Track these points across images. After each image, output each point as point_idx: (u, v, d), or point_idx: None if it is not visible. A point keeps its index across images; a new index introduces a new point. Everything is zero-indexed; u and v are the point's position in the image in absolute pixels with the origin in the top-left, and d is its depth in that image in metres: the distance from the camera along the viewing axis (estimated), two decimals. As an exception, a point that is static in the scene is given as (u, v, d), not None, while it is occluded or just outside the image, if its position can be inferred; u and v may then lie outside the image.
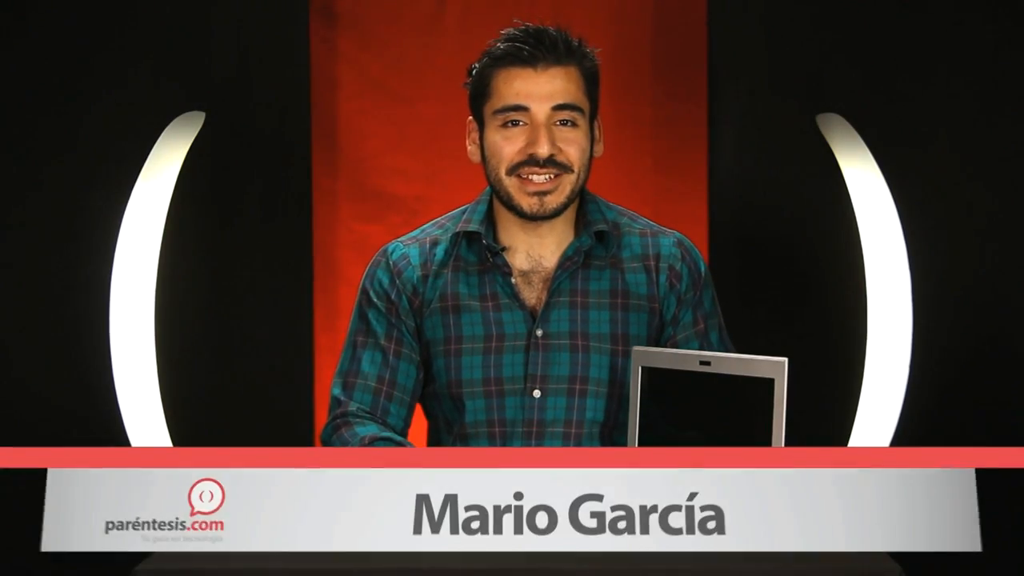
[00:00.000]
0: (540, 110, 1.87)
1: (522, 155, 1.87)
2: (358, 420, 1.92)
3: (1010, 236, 2.90)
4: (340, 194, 3.13)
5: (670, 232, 2.03)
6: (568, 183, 1.90)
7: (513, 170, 1.89)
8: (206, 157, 2.92)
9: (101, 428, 2.84)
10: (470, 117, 1.98)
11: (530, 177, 1.88)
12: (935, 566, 2.89)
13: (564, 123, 1.88)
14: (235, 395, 3.02)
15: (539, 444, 1.91)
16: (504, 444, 1.92)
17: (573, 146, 1.89)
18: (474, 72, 1.94)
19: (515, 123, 1.88)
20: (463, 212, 2.02)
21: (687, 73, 3.10)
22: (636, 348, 1.84)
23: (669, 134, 3.13)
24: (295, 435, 3.03)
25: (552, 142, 1.86)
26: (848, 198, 2.82)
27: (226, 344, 3.03)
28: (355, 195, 3.13)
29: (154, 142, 2.84)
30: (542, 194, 1.88)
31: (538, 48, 1.88)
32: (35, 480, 1.83)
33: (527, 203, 1.89)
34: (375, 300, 1.98)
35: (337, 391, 1.99)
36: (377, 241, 2.06)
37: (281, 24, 3.01)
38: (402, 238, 2.04)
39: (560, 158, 1.87)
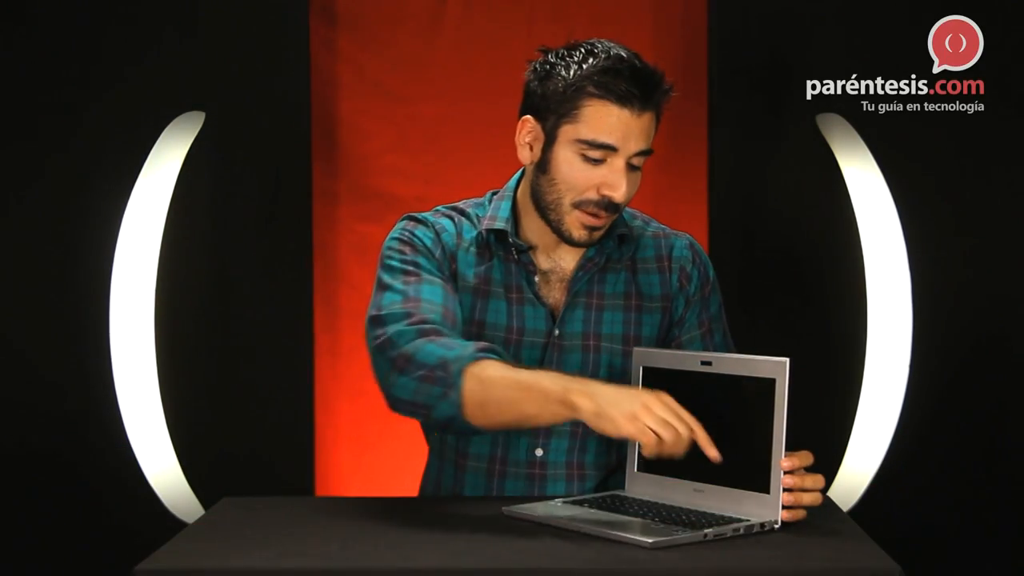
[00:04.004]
0: (625, 153, 1.80)
1: (595, 194, 1.83)
2: (450, 335, 1.75)
3: (1010, 236, 2.90)
4: (340, 194, 3.13)
5: (682, 234, 2.03)
6: (612, 219, 1.88)
7: (581, 204, 1.84)
8: (206, 157, 2.93)
9: (101, 428, 2.85)
10: (530, 118, 1.87)
11: (595, 213, 1.84)
12: (935, 566, 2.90)
13: (635, 167, 1.85)
14: (235, 394, 3.02)
15: (546, 442, 1.90)
16: (508, 438, 1.90)
17: (634, 189, 1.86)
18: (555, 81, 1.82)
19: (597, 159, 1.82)
20: (479, 205, 1.98)
21: (687, 73, 3.10)
22: (637, 348, 1.85)
23: (669, 134, 3.13)
24: (295, 434, 3.03)
25: (629, 189, 1.83)
26: (848, 198, 2.83)
27: (226, 344, 3.03)
28: (355, 195, 3.13)
29: (154, 142, 2.85)
30: (595, 229, 1.87)
31: (640, 89, 1.79)
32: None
33: (579, 234, 1.86)
34: (423, 250, 1.89)
35: (394, 309, 1.77)
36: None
37: (281, 24, 3.01)
38: (424, 213, 1.97)
39: (621, 201, 1.84)
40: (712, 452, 1.59)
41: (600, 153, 1.81)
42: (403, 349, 1.74)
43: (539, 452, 1.91)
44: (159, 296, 2.82)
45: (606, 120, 1.79)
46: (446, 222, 1.94)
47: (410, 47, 3.12)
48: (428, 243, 1.91)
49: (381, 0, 3.13)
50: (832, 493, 2.65)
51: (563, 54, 1.84)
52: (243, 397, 3.02)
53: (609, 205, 1.83)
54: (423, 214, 1.96)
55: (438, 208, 1.99)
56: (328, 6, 3.11)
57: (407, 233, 1.92)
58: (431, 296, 1.82)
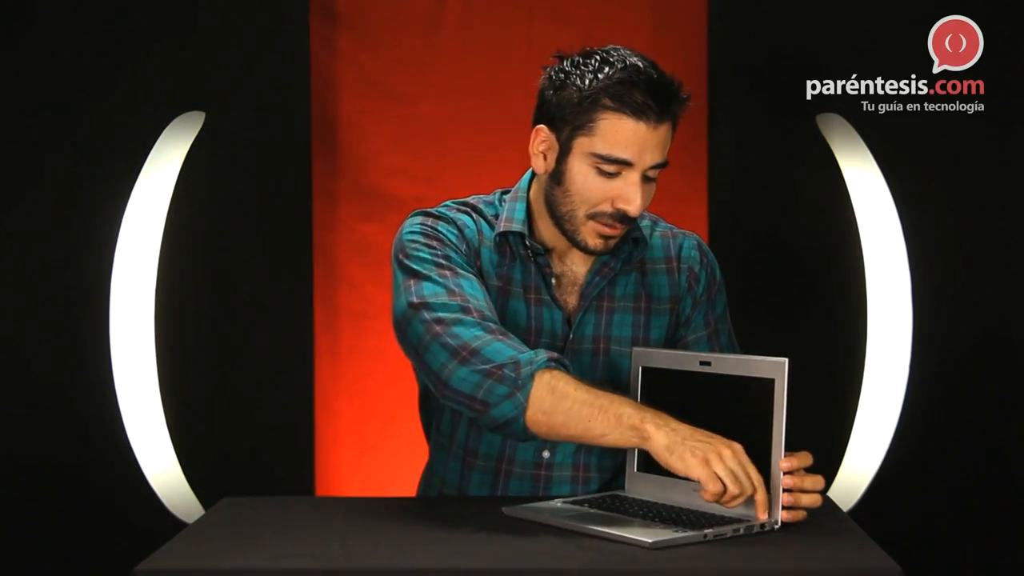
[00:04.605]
0: (641, 167, 1.78)
1: (610, 206, 1.81)
2: (509, 333, 1.75)
3: (1010, 236, 2.90)
4: (340, 194, 3.13)
5: (690, 234, 2.02)
6: (627, 229, 1.87)
7: (596, 216, 1.83)
8: (206, 157, 2.93)
9: (101, 428, 2.85)
10: (544, 128, 1.84)
11: (610, 224, 1.82)
12: (935, 566, 2.90)
13: (650, 179, 1.82)
14: (235, 395, 3.02)
15: (553, 444, 1.90)
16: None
17: (648, 200, 1.83)
18: (570, 92, 1.79)
19: (612, 173, 1.80)
20: (496, 204, 1.95)
21: (687, 73, 3.09)
22: (636, 348, 1.84)
23: (669, 134, 3.13)
24: (295, 434, 3.03)
25: (644, 201, 1.81)
26: (848, 198, 2.83)
27: (226, 344, 3.03)
28: (355, 195, 3.13)
29: (154, 142, 2.85)
30: (610, 238, 1.85)
31: (655, 102, 1.75)
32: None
33: (593, 243, 1.85)
34: (450, 244, 1.85)
35: (442, 299, 1.75)
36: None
37: (281, 24, 3.01)
38: (437, 208, 1.94)
39: (635, 215, 1.82)
40: (763, 515, 1.59)
41: (615, 167, 1.78)
42: (466, 340, 1.72)
43: (546, 454, 1.91)
44: (159, 296, 2.82)
45: (622, 134, 1.76)
46: (466, 218, 1.91)
47: (410, 47, 3.12)
48: (453, 239, 1.87)
49: (381, 0, 3.13)
50: (832, 493, 2.65)
51: (578, 62, 1.80)
52: (243, 397, 3.02)
53: (624, 218, 1.81)
54: (437, 209, 1.92)
55: (448, 203, 1.95)
56: (328, 6, 3.11)
57: (429, 228, 1.87)
58: (473, 291, 1.78)
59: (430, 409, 2.01)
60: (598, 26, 3.08)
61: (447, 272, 1.80)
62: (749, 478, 1.58)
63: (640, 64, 1.77)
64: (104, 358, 2.79)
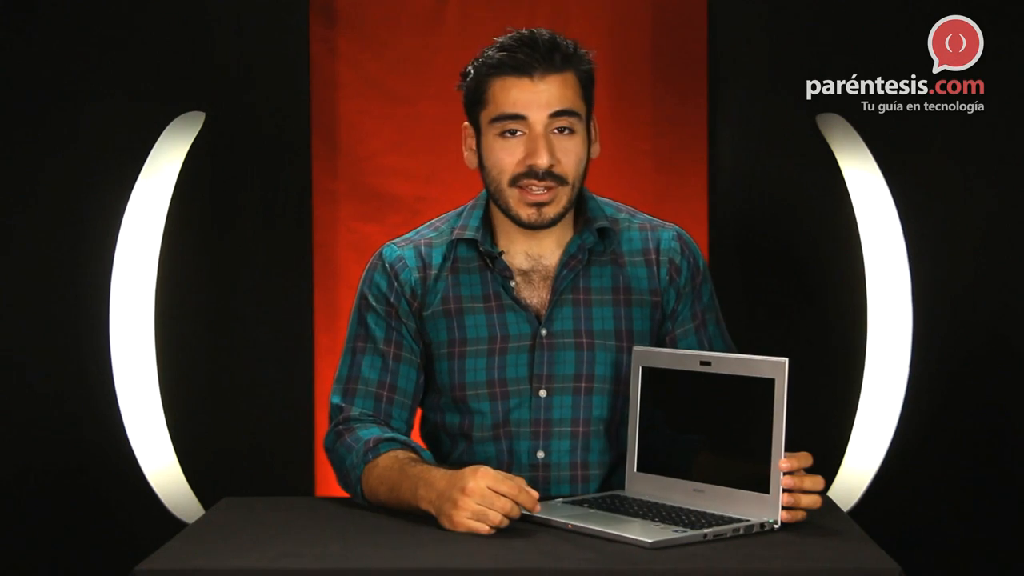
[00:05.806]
0: (538, 119, 1.84)
1: (522, 166, 1.86)
2: (360, 424, 1.91)
3: (1010, 236, 2.90)
4: (340, 194, 3.13)
5: (669, 225, 2.02)
6: (564, 194, 1.88)
7: (514, 181, 1.87)
8: (206, 157, 2.93)
9: (101, 428, 2.85)
10: (466, 123, 1.95)
11: (530, 188, 1.87)
12: (935, 566, 2.90)
13: (562, 130, 1.87)
14: (235, 395, 3.02)
15: (546, 444, 1.91)
16: (511, 445, 1.91)
17: (570, 156, 1.87)
18: (469, 78, 1.91)
19: (513, 132, 1.86)
20: (459, 216, 2.01)
21: (687, 73, 3.10)
22: (636, 348, 1.85)
23: (669, 134, 3.13)
24: (295, 434, 3.03)
25: (551, 152, 1.85)
26: (848, 198, 2.83)
27: (226, 344, 3.03)
28: (355, 195, 3.13)
29: (154, 142, 2.85)
30: (540, 205, 1.87)
31: (534, 56, 1.85)
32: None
33: (526, 214, 1.88)
34: (373, 304, 1.96)
35: (337, 399, 1.96)
36: (377, 241, 2.04)
37: (281, 24, 3.01)
38: (396, 240, 2.02)
39: (557, 170, 1.86)
40: (535, 508, 1.65)
41: (513, 124, 1.87)
42: (327, 450, 1.93)
43: (541, 455, 1.91)
44: (159, 296, 2.82)
45: (508, 93, 1.86)
46: (410, 255, 1.98)
47: (410, 47, 3.12)
48: (383, 288, 1.96)
49: (381, 0, 3.13)
50: (832, 493, 2.65)
51: (478, 53, 1.92)
52: (243, 397, 3.02)
53: (544, 174, 1.86)
54: (392, 247, 2.00)
55: (420, 229, 2.03)
56: (328, 6, 3.11)
57: (368, 280, 1.99)
58: (369, 373, 1.95)
59: (426, 433, 2.05)
60: (598, 26, 3.08)
61: (359, 345, 1.97)
62: (501, 496, 1.63)
63: (525, 33, 1.89)
64: (104, 358, 2.79)
